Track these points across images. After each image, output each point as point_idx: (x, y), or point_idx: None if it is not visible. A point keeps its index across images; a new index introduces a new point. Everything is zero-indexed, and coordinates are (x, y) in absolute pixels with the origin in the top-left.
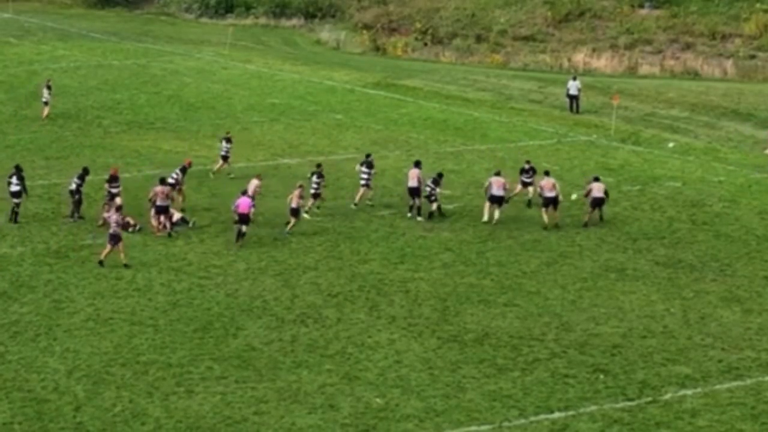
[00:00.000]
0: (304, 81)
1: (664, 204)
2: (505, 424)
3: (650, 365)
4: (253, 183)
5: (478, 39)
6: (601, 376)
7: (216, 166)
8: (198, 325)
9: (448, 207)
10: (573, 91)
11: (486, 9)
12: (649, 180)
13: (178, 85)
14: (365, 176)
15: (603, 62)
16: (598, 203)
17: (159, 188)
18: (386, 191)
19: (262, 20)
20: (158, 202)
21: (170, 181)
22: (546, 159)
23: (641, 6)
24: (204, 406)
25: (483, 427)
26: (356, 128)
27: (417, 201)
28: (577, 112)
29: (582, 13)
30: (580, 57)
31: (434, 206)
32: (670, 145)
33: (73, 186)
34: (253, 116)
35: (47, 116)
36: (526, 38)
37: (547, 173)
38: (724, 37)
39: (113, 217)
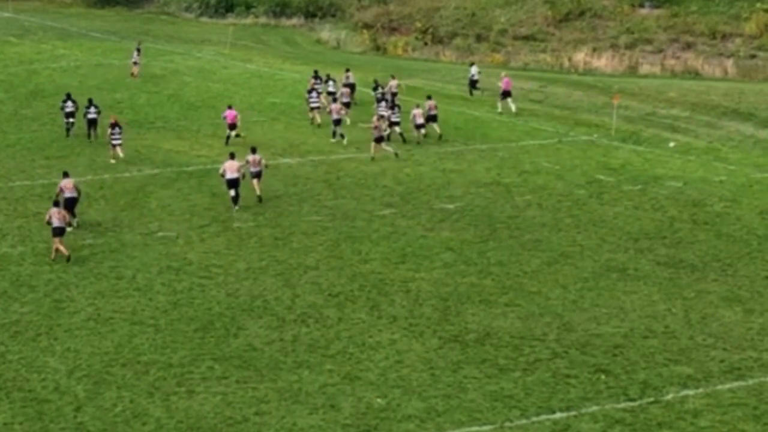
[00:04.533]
0: (305, 80)
1: (666, 204)
2: (507, 424)
3: (652, 365)
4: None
5: (479, 38)
6: (603, 377)
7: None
8: (199, 324)
9: (449, 207)
10: (476, 77)
11: (486, 8)
12: (650, 180)
13: (178, 85)
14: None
15: (603, 62)
16: (432, 119)
17: (65, 182)
18: (387, 191)
19: (263, 19)
20: (67, 194)
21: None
22: (547, 158)
23: (641, 5)
24: (205, 407)
25: (485, 428)
26: (357, 128)
27: (420, 132)
28: (477, 89)
29: (582, 13)
30: (580, 56)
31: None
32: (671, 144)
33: (93, 116)
34: (254, 116)
35: (136, 75)
36: (526, 38)
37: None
38: (724, 37)
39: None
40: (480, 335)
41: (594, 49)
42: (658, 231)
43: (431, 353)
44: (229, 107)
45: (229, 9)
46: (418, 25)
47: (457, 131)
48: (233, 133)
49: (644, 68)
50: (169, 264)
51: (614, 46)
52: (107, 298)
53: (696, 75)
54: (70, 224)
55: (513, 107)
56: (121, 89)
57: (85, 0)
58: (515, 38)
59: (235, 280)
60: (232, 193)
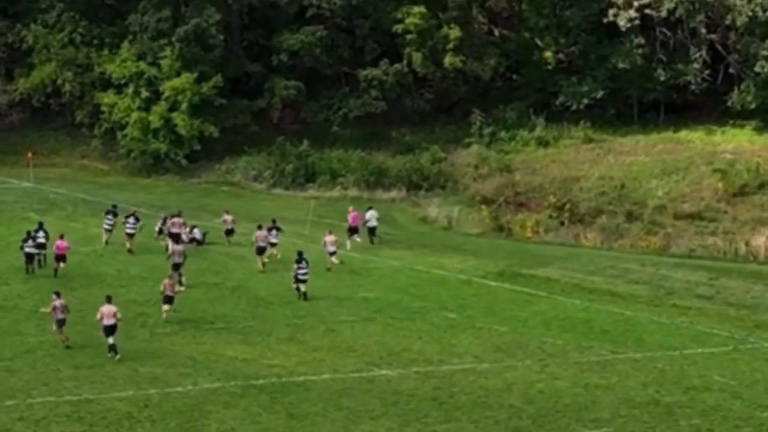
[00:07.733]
0: (407, 269)
1: None
2: None
3: None
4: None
5: (630, 217)
6: None
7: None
8: None
9: None
10: (372, 223)
11: (639, 179)
12: None
13: (245, 274)
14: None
15: None
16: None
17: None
18: (514, 412)
19: (353, 191)
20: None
21: None
22: (719, 371)
23: None
24: None
25: None
26: (474, 330)
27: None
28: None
29: (762, 185)
30: (760, 240)
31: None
32: None
33: (42, 240)
34: (341, 314)
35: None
36: (691, 216)
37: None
38: None
39: None
40: None
41: None
42: None
43: None
44: (61, 237)
45: (310, 179)
46: (552, 199)
47: (603, 335)
48: (62, 265)
49: None
50: None
51: None
52: None
53: None
54: None
55: (358, 239)
56: None
57: (127, 167)
58: (677, 217)
59: None
60: (111, 341)
